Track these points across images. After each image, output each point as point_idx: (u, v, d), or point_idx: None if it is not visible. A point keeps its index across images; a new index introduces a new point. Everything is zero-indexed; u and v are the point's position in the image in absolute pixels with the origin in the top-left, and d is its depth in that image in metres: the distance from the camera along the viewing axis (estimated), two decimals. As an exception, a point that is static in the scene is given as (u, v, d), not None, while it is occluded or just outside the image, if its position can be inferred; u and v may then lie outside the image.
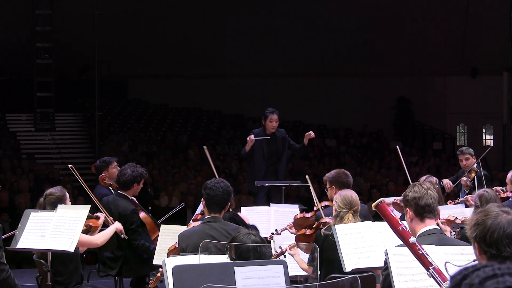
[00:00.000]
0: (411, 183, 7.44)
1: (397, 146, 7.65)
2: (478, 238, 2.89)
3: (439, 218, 5.92)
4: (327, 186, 6.51)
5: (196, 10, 20.26)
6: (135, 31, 19.93)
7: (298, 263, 5.78)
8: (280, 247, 5.76)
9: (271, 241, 6.08)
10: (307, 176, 6.63)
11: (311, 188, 6.62)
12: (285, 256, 5.79)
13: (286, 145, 9.14)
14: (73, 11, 18.53)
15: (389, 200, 6.96)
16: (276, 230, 6.41)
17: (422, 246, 3.38)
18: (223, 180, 5.37)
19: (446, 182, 8.72)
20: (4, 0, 18.54)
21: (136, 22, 19.94)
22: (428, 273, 3.29)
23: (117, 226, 6.36)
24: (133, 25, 19.83)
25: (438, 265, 3.32)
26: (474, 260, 2.97)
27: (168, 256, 5.77)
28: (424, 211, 3.86)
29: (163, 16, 20.11)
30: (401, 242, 3.54)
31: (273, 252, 5.53)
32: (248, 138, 8.98)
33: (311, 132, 8.99)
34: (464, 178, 8.53)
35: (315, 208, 6.41)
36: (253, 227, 6.00)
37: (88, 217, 6.16)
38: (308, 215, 6.34)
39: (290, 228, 6.40)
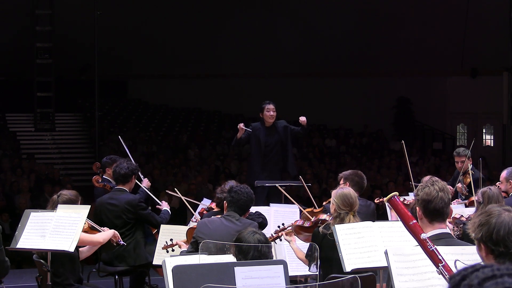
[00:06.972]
0: (412, 181, 7.43)
1: (402, 142, 7.63)
2: (485, 238, 2.89)
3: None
4: (341, 182, 6.47)
5: (196, 10, 20.24)
6: (135, 31, 19.91)
7: (294, 251, 5.74)
8: (277, 231, 5.76)
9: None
10: (300, 177, 6.67)
11: (306, 187, 6.70)
12: (280, 240, 5.79)
13: (289, 133, 9.22)
14: (73, 11, 18.50)
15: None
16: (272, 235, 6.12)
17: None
18: (248, 187, 5.63)
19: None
20: (4, 0, 18.52)
21: (136, 22, 19.92)
22: (438, 270, 3.28)
23: (114, 231, 6.21)
24: (133, 25, 19.81)
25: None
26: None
27: (187, 234, 5.90)
28: (432, 215, 3.77)
29: (163, 16, 20.09)
30: (400, 241, 3.53)
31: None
32: (238, 126, 9.06)
33: (304, 119, 9.09)
34: (459, 185, 8.34)
35: (313, 218, 6.14)
36: (258, 214, 6.03)
37: (94, 229, 6.14)
38: (307, 224, 6.06)
39: (286, 234, 6.13)
